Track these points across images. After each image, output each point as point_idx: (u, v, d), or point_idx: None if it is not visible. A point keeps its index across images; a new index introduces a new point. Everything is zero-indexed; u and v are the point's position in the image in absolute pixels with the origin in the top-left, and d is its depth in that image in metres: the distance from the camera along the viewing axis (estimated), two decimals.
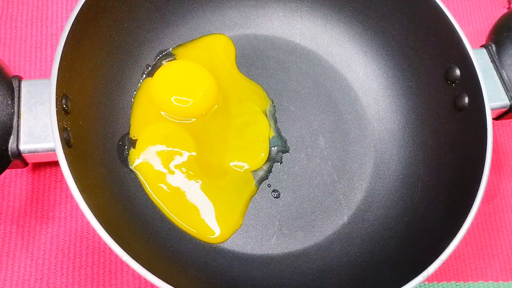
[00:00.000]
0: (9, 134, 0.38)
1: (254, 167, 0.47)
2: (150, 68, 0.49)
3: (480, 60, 0.46)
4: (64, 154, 0.36)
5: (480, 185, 0.39)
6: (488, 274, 0.48)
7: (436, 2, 0.45)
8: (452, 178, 0.44)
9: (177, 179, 0.45)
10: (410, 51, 0.49)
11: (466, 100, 0.44)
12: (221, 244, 0.44)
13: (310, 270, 0.44)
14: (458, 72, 0.44)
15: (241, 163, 0.47)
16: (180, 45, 0.51)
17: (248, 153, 0.48)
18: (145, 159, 0.45)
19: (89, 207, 0.35)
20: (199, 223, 0.44)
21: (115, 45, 0.46)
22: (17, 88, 0.40)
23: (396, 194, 0.47)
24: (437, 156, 0.46)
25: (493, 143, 0.41)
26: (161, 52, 0.50)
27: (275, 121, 0.50)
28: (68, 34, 0.39)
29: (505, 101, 0.45)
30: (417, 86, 0.49)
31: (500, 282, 0.48)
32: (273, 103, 0.51)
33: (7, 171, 0.41)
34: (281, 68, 0.52)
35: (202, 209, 0.44)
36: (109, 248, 0.34)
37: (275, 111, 0.50)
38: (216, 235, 0.44)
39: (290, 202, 0.47)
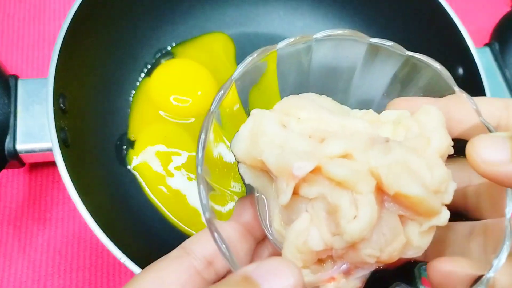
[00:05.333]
0: (6, 134, 0.38)
1: None
2: (149, 67, 0.49)
3: (484, 59, 0.46)
4: (62, 154, 0.36)
5: None
6: None
7: (439, 1, 0.44)
8: None
9: (177, 181, 0.44)
10: (413, 50, 0.49)
11: None
12: None
13: None
14: (461, 71, 0.44)
15: None
16: (179, 43, 0.51)
17: None
18: (144, 160, 0.45)
19: (86, 208, 0.35)
20: (201, 226, 0.43)
21: (113, 44, 0.46)
22: (14, 87, 0.40)
23: None
24: None
25: None
26: (160, 50, 0.50)
27: None
28: (65, 33, 0.39)
29: None
30: None
31: None
32: None
33: (3, 171, 0.41)
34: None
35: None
36: (107, 250, 0.34)
37: None
38: None
39: None
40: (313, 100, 0.25)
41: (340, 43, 0.26)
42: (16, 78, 0.40)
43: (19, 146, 0.38)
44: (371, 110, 0.26)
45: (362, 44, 0.27)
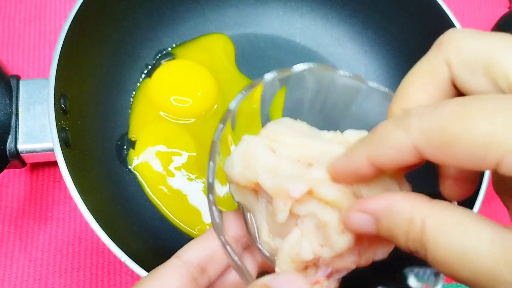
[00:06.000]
0: (7, 134, 0.38)
1: None
2: (149, 67, 0.49)
3: None
4: (63, 154, 0.36)
5: (481, 186, 0.39)
6: None
7: (437, 2, 0.44)
8: None
9: (178, 181, 0.44)
10: (411, 50, 0.49)
11: None
12: None
13: None
14: None
15: None
16: (179, 44, 0.51)
17: None
18: (145, 160, 0.45)
19: (87, 208, 0.35)
20: (202, 226, 0.44)
21: (114, 45, 0.46)
22: (15, 88, 0.40)
23: None
24: None
25: None
26: (160, 51, 0.50)
27: None
28: (66, 33, 0.39)
29: None
30: None
31: None
32: None
33: (5, 171, 0.41)
34: (281, 68, 0.52)
35: (204, 212, 0.44)
36: (108, 249, 0.34)
37: None
38: None
39: None
40: (292, 125, 0.28)
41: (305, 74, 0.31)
42: (17, 78, 0.40)
43: (21, 146, 0.38)
44: (338, 132, 0.29)
45: (328, 73, 0.30)
